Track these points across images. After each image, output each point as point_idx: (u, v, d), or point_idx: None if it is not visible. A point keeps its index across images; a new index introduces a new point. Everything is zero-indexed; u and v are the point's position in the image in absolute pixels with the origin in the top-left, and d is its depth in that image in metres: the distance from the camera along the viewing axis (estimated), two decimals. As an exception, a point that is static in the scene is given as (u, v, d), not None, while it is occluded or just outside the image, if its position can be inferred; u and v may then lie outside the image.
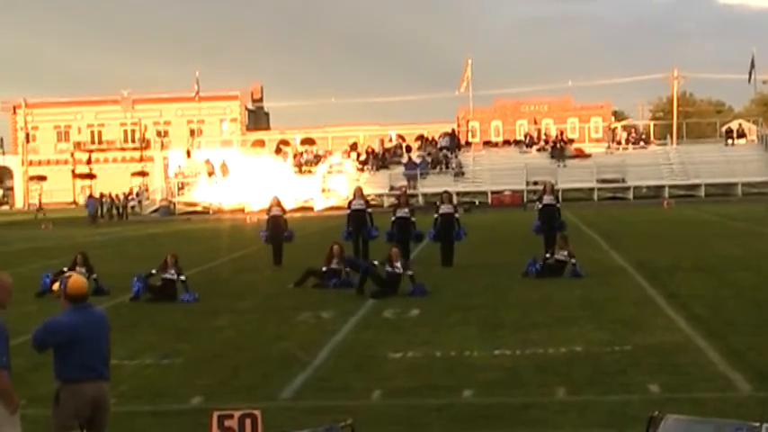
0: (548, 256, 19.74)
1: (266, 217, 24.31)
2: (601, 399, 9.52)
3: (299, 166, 60.19)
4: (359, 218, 22.78)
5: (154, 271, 18.25)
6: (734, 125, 66.61)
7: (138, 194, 64.24)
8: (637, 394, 9.60)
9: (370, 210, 23.41)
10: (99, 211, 56.53)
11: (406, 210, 22.54)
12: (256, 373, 11.28)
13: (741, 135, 63.31)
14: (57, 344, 6.84)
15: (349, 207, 23.67)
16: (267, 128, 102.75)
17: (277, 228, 23.58)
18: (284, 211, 24.48)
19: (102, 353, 7.00)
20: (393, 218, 22.54)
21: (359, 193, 23.76)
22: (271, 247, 23.75)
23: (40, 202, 74.20)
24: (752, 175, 56.11)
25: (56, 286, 7.08)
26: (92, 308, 7.06)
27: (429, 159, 59.60)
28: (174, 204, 59.44)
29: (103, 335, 7.03)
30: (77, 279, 7.03)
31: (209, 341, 13.59)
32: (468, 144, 66.70)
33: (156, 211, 60.16)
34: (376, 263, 18.19)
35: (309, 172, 59.68)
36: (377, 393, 10.12)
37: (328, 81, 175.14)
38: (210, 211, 56.76)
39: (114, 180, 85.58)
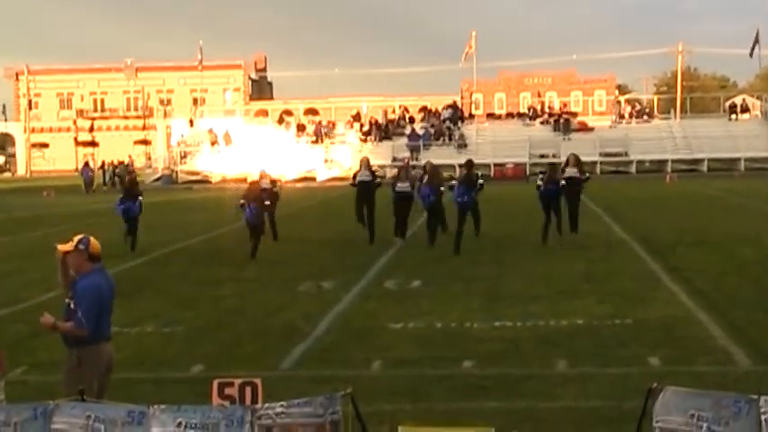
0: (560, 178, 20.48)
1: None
2: (601, 371, 9.55)
3: (318, 136, 59.89)
4: (366, 190, 21.80)
5: (242, 201, 19.81)
6: (738, 100, 66.33)
7: (128, 165, 63.77)
8: (637, 367, 9.63)
9: (378, 180, 22.51)
10: (96, 180, 56.30)
11: (407, 184, 21.59)
12: (257, 343, 11.31)
13: (745, 110, 63.09)
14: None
15: (354, 179, 22.51)
16: (270, 98, 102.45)
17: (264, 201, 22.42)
18: (275, 183, 23.43)
19: (110, 314, 7.17)
20: (392, 192, 21.68)
21: (365, 163, 22.78)
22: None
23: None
24: (755, 151, 55.96)
25: (62, 246, 7.02)
26: (105, 269, 7.15)
27: (432, 131, 59.48)
28: (177, 173, 59.40)
29: (113, 296, 7.20)
30: (96, 240, 7.10)
31: (210, 310, 13.63)
32: (471, 116, 66.48)
33: (158, 179, 60.12)
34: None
35: (318, 143, 59.52)
36: (377, 363, 10.14)
37: (332, 51, 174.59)
38: (212, 181, 56.72)
39: (117, 148, 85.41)
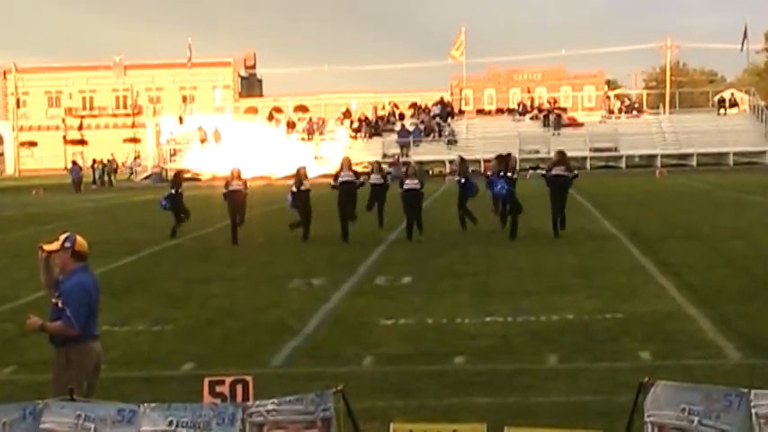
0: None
1: (224, 191, 21.98)
2: (591, 366, 9.55)
3: (310, 133, 59.78)
4: (349, 191, 21.39)
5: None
6: (726, 95, 66.57)
7: (108, 162, 63.43)
8: (627, 361, 9.64)
9: (361, 180, 22.10)
10: (85, 178, 56.16)
11: (416, 181, 21.17)
12: (248, 341, 11.29)
13: (733, 105, 63.35)
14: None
15: (335, 179, 21.81)
16: (260, 95, 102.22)
17: (235, 204, 21.65)
18: (245, 185, 22.36)
19: (98, 312, 7.14)
20: (400, 190, 21.27)
21: (347, 164, 22.29)
22: (230, 223, 21.71)
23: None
24: (743, 145, 56.22)
25: (48, 246, 6.97)
26: (89, 268, 7.12)
27: (422, 127, 59.50)
28: (166, 171, 59.25)
29: (99, 294, 7.18)
30: (82, 239, 7.06)
31: (201, 308, 13.59)
32: (461, 112, 66.50)
33: (147, 177, 59.98)
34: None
35: (308, 140, 59.45)
36: (368, 360, 10.13)
37: (322, 48, 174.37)
38: (202, 178, 56.62)
39: (106, 146, 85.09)
